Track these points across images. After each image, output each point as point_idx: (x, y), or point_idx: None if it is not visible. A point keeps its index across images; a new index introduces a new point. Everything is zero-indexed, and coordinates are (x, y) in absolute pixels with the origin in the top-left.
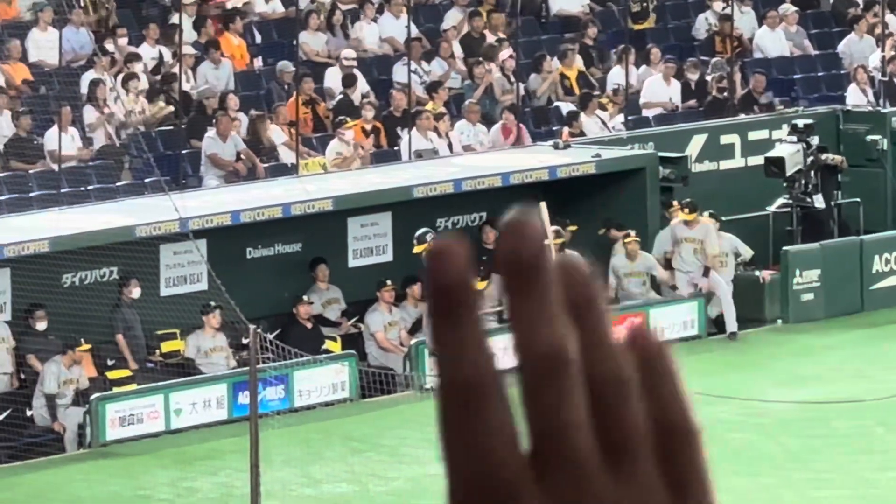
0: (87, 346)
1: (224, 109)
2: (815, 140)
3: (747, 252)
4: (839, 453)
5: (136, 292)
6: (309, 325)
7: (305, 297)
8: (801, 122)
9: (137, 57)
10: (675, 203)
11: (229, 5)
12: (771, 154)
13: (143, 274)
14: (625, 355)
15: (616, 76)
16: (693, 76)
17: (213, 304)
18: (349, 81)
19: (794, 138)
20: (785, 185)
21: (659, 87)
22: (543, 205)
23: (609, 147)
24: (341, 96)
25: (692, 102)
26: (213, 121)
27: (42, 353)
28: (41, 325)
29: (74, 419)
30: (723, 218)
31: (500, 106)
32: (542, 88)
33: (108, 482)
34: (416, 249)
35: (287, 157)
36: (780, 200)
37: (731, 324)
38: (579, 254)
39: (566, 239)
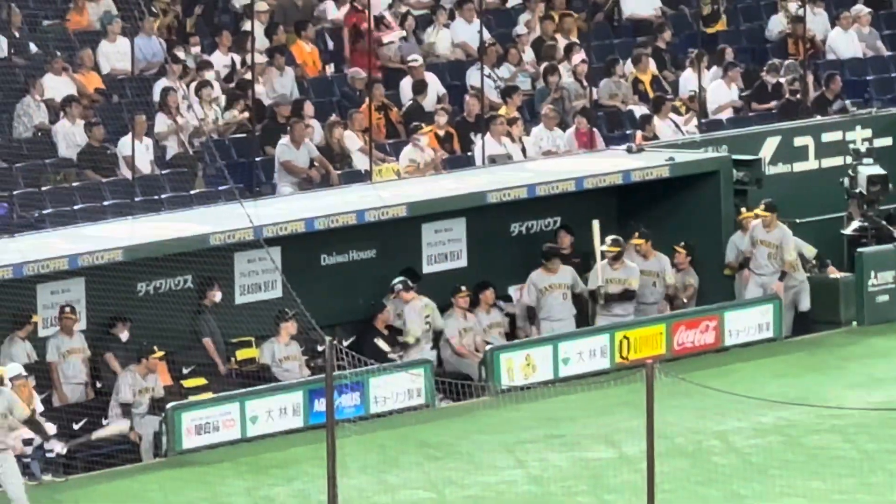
0: (161, 353)
1: (298, 116)
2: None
3: (810, 251)
4: None
5: (217, 296)
6: (386, 333)
7: (387, 305)
8: (863, 147)
9: (210, 65)
10: (743, 210)
11: (385, 39)
12: (872, 172)
13: (217, 282)
14: None
15: (687, 80)
16: (771, 80)
17: (289, 312)
18: (419, 88)
19: (871, 160)
20: (866, 206)
21: (721, 92)
22: (596, 223)
23: (682, 150)
24: (412, 102)
25: (769, 105)
26: (289, 128)
27: (125, 363)
28: (124, 336)
29: (150, 428)
30: (797, 220)
31: (573, 110)
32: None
33: (183, 491)
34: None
35: (361, 163)
36: (856, 223)
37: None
38: (635, 265)
39: (631, 246)
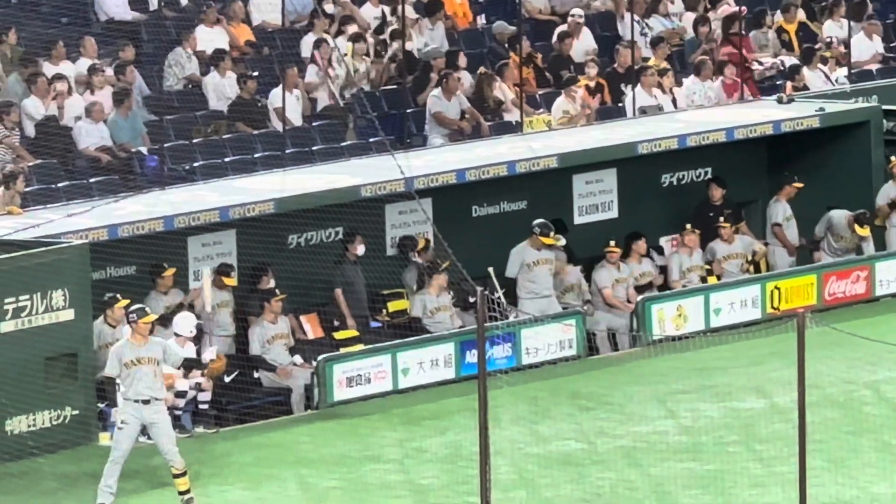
0: (283, 296)
1: (450, 68)
2: None
3: None
4: None
5: (360, 249)
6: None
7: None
8: None
9: (360, 17)
10: (893, 159)
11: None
12: None
13: (368, 233)
14: None
15: (829, 29)
16: None
17: (441, 264)
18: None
19: None
20: None
21: (863, 45)
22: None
23: (832, 101)
24: (557, 53)
25: None
26: (444, 81)
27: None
28: (270, 286)
29: (301, 380)
30: None
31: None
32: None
33: (335, 443)
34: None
35: (511, 114)
36: None
37: None
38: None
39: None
